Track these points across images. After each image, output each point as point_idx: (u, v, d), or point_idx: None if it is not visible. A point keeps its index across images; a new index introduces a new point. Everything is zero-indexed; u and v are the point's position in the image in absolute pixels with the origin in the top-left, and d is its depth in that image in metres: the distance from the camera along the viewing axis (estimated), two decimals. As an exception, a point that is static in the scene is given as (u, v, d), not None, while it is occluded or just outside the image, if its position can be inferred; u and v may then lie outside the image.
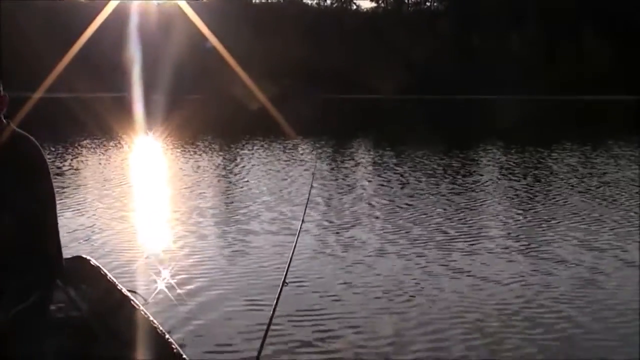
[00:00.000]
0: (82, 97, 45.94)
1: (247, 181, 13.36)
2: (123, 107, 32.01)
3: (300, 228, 4.78)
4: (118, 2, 58.93)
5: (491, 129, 29.53)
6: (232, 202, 10.85)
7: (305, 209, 5.54)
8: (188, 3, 65.92)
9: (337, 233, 8.52)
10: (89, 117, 25.52)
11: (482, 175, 14.58)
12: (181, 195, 11.50)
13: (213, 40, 41.32)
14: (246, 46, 55.40)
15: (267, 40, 65.36)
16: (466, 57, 69.92)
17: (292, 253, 4.25)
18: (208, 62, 55.06)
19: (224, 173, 14.64)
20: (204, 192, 11.81)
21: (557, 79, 63.99)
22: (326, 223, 9.12)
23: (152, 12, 67.32)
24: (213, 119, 33.01)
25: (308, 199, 6.63)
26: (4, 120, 3.26)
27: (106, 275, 4.36)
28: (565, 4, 73.75)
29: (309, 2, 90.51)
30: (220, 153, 18.61)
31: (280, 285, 3.69)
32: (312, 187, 8.58)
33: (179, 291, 5.89)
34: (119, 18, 54.67)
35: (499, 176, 14.43)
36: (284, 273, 3.82)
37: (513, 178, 13.98)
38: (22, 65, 48.22)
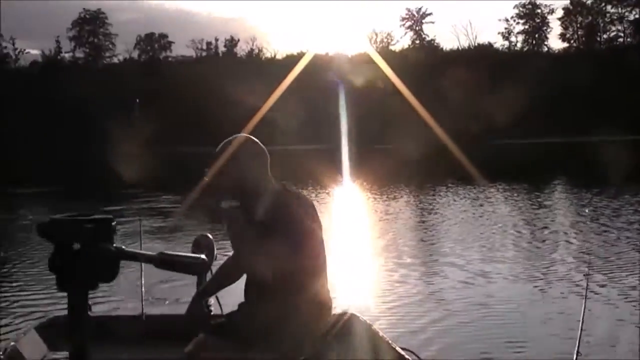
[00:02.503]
0: (284, 149, 47.81)
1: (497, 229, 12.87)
2: (331, 159, 32.71)
3: (587, 286, 4.26)
4: (312, 56, 61.80)
5: None
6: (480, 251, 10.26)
7: (589, 262, 4.93)
8: (378, 52, 67.75)
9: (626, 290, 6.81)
10: (301, 169, 26.13)
11: None
12: (423, 248, 11.18)
13: (403, 89, 41.63)
14: (435, 93, 55.36)
15: (456, 86, 64.68)
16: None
17: (583, 316, 3.77)
18: (396, 111, 55.53)
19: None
20: (445, 243, 11.49)
21: None
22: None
23: (345, 64, 69.71)
24: (415, 167, 32.55)
25: (587, 249, 6.00)
26: (275, 182, 3.35)
27: (378, 332, 4.21)
28: None
29: (500, 48, 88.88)
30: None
31: (575, 356, 3.32)
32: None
33: (448, 346, 5.56)
34: (316, 71, 57.13)
35: None
36: (577, 342, 3.42)
37: None
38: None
